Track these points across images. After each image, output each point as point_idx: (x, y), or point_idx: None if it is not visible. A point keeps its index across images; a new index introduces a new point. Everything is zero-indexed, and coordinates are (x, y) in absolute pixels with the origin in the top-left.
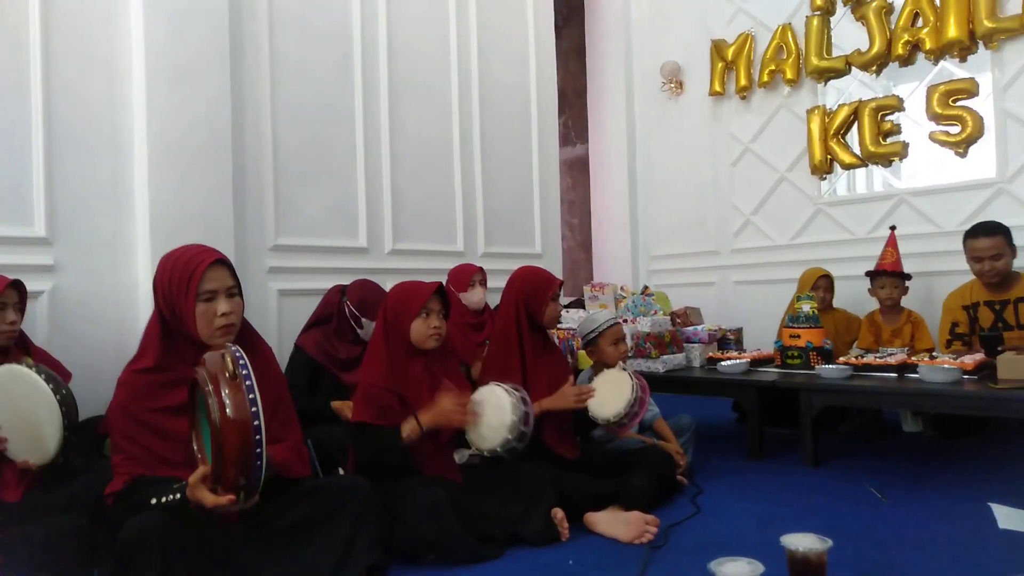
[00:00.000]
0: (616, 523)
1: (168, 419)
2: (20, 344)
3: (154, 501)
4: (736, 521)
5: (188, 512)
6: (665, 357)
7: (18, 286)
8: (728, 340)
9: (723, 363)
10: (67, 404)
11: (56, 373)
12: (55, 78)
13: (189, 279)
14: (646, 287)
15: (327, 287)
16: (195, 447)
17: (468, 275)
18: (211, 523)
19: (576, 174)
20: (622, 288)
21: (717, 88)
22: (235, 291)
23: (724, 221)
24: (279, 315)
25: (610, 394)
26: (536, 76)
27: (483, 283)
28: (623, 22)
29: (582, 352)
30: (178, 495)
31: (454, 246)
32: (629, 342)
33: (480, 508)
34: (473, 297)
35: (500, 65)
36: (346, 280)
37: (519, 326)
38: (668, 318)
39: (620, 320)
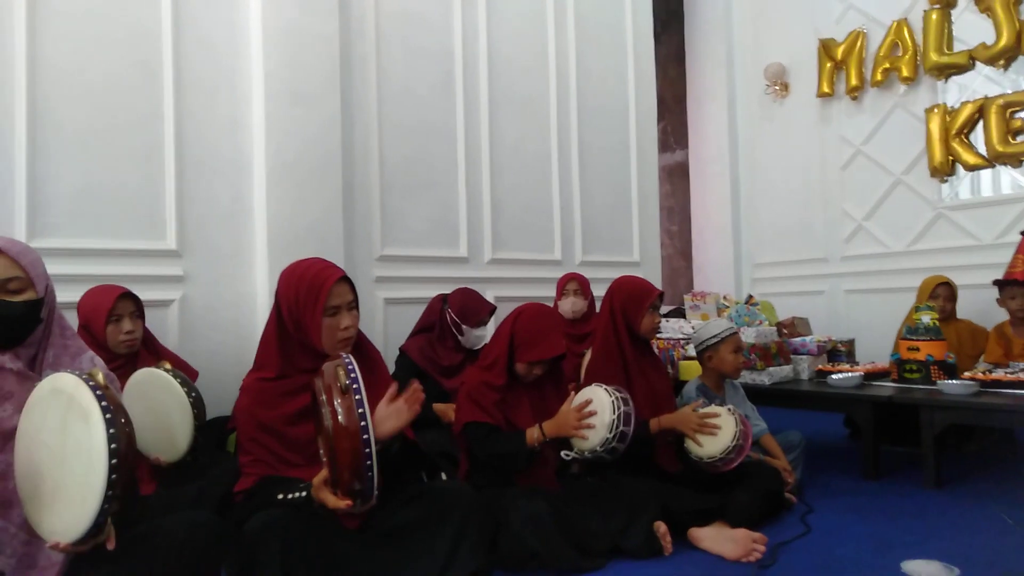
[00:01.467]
0: (722, 540)
1: (290, 425)
2: (150, 348)
3: (280, 497)
4: (850, 543)
5: (311, 510)
6: (771, 369)
7: (131, 296)
8: (839, 352)
9: (834, 376)
10: (198, 407)
11: (184, 373)
12: (185, 105)
13: (317, 295)
14: (751, 296)
15: (430, 295)
16: (321, 451)
17: (563, 283)
18: (329, 522)
19: (676, 180)
20: (725, 297)
21: (826, 89)
22: (354, 305)
23: (834, 227)
24: (385, 322)
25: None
26: (635, 84)
27: (578, 292)
28: (724, 25)
29: (683, 363)
30: (303, 493)
31: (552, 255)
32: None
33: (582, 520)
34: (565, 305)
35: (598, 74)
36: (447, 288)
37: (618, 336)
38: (774, 328)
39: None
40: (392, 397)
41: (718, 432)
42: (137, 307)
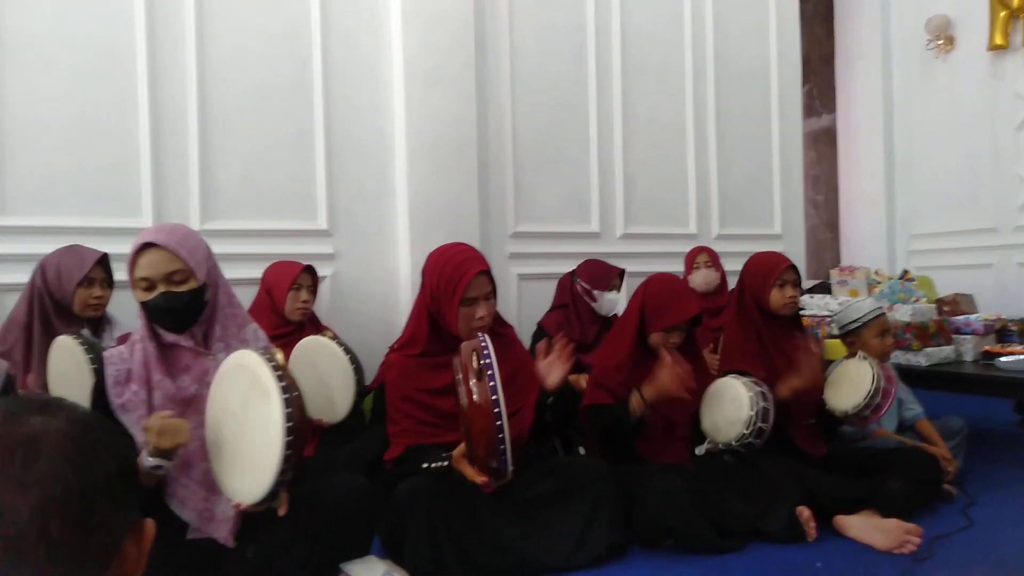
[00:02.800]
0: (872, 529)
1: (434, 398)
2: (313, 321)
3: (425, 466)
4: (1018, 540)
5: (452, 478)
6: (929, 350)
7: (311, 271)
8: (1010, 332)
9: (1003, 358)
10: (359, 373)
11: None
12: (332, 91)
13: (455, 287)
14: (906, 271)
15: (562, 271)
16: (461, 427)
17: (692, 257)
18: (469, 491)
19: (821, 147)
20: (876, 272)
21: (998, 41)
22: (491, 294)
23: (1005, 194)
24: (519, 298)
25: (849, 385)
26: (777, 44)
27: (709, 264)
28: None
29: (829, 341)
30: (445, 463)
31: (687, 228)
32: None
33: (719, 499)
34: (696, 279)
35: (737, 37)
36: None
37: (750, 315)
38: (933, 306)
39: (886, 310)
40: (546, 352)
41: (848, 386)
42: (314, 282)
